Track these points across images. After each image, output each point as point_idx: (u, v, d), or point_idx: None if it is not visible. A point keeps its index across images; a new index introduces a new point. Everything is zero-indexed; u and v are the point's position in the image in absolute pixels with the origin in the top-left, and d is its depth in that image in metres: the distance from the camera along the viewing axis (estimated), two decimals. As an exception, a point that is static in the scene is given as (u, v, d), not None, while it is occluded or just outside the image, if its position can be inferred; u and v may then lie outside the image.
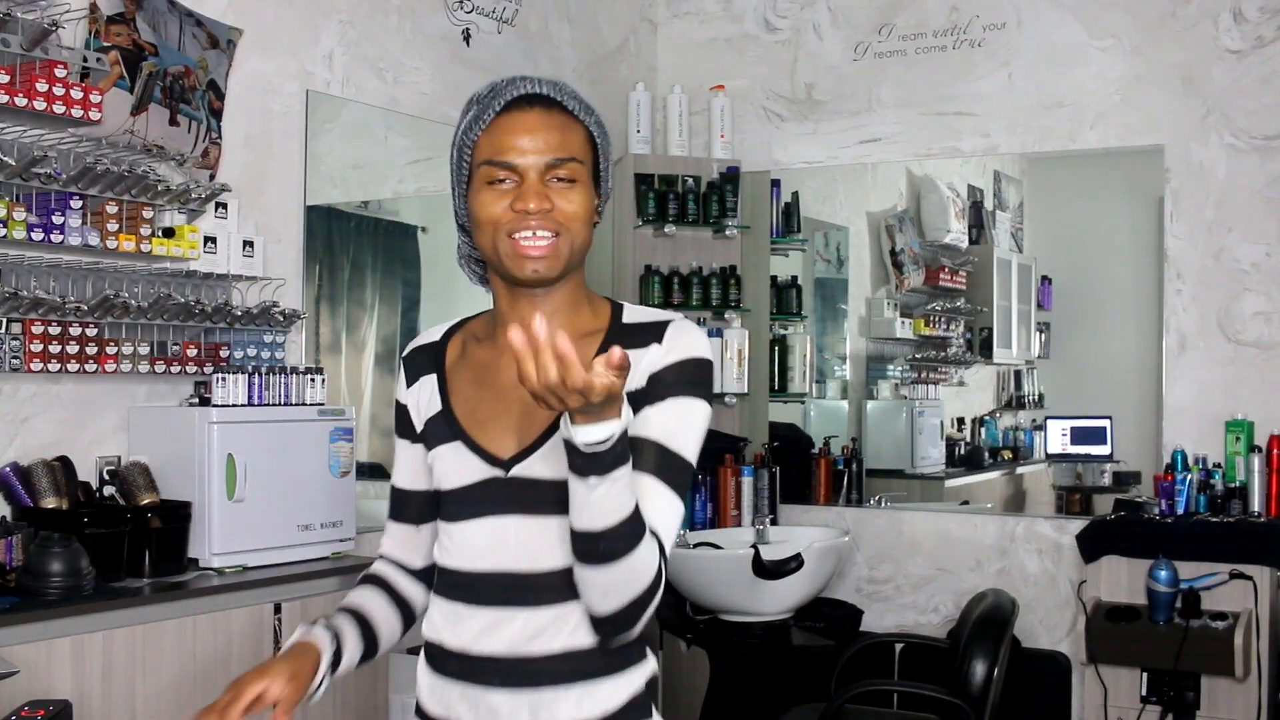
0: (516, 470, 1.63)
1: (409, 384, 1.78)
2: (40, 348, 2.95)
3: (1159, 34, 4.45)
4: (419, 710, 1.72)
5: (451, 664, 1.66)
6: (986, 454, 5.23)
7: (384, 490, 4.07)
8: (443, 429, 1.70)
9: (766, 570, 4.07)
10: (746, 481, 4.84)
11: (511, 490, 1.63)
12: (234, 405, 3.18)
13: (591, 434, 1.37)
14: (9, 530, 2.81)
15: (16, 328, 2.93)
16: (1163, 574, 3.86)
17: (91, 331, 3.05)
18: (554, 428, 1.59)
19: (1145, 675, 3.96)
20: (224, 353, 3.34)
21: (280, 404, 3.29)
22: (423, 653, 1.72)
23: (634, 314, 1.70)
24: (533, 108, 1.68)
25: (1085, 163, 4.73)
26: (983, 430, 5.28)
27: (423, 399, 1.75)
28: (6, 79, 2.80)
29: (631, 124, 4.96)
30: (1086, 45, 4.57)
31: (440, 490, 1.70)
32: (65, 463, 3.03)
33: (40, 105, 2.84)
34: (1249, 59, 4.33)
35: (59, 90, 2.87)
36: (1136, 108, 4.49)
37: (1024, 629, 4.38)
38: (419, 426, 1.75)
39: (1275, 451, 4.10)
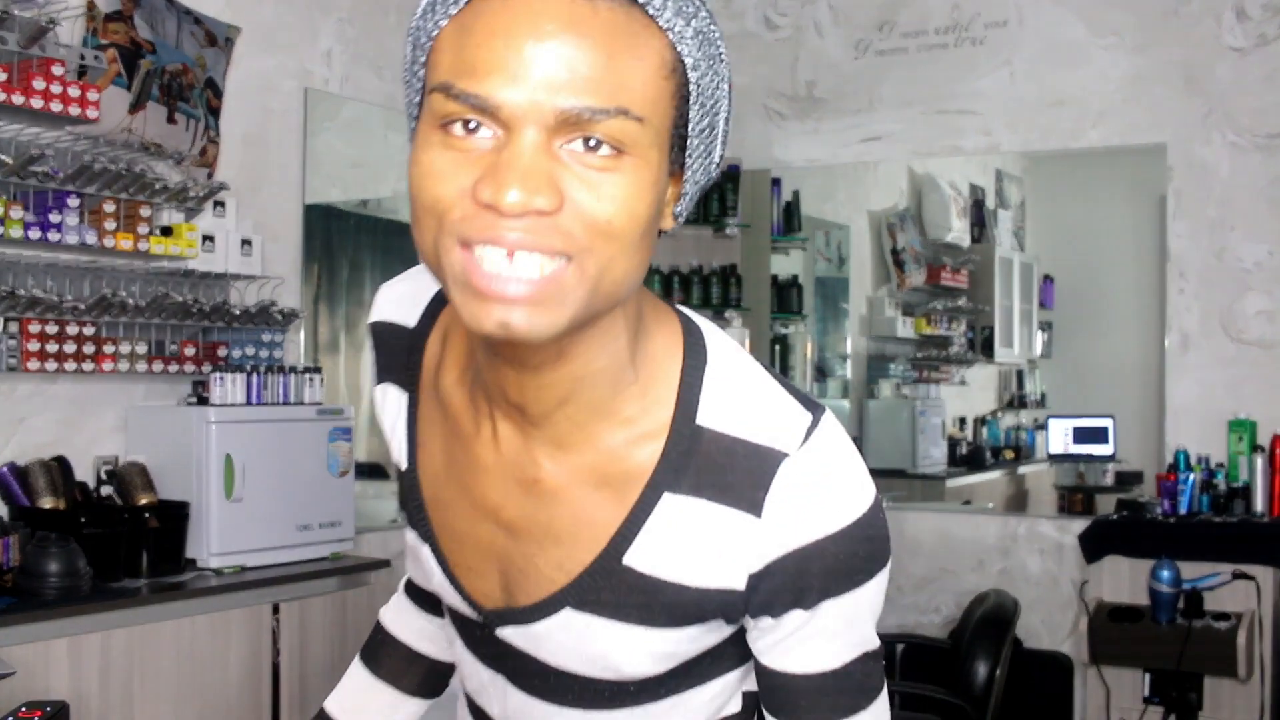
0: (502, 633, 1.07)
1: (378, 380, 1.15)
2: (37, 347, 2.94)
3: (1161, 32, 4.44)
4: None
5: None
6: (988, 453, 5.22)
7: (383, 489, 4.05)
8: (412, 508, 1.09)
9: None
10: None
11: (499, 650, 1.09)
12: (232, 405, 3.17)
13: None
14: (6, 530, 2.80)
15: (14, 327, 2.92)
16: (1165, 574, 3.85)
17: (89, 331, 3.04)
18: (560, 594, 1.00)
19: (1148, 676, 3.94)
20: (222, 352, 3.32)
21: (279, 403, 3.27)
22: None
23: (719, 415, 0.95)
24: None
25: (1087, 161, 4.72)
26: (984, 430, 5.27)
27: (392, 423, 1.12)
28: (4, 77, 2.78)
29: (632, 122, 4.94)
30: (1088, 43, 4.55)
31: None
32: (62, 463, 3.02)
33: (38, 103, 2.83)
34: (1251, 57, 4.31)
35: (56, 88, 2.86)
36: (1139, 106, 4.47)
37: (1026, 629, 4.37)
38: (397, 462, 1.12)
39: (1278, 451, 4.08)
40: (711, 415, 0.93)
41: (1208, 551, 3.91)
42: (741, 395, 0.95)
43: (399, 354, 1.12)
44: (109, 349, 3.08)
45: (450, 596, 1.10)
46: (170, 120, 3.28)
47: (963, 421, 5.28)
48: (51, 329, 2.97)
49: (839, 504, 0.99)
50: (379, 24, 4.03)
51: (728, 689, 1.06)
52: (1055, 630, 4.50)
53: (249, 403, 3.20)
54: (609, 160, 0.81)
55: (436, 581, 1.09)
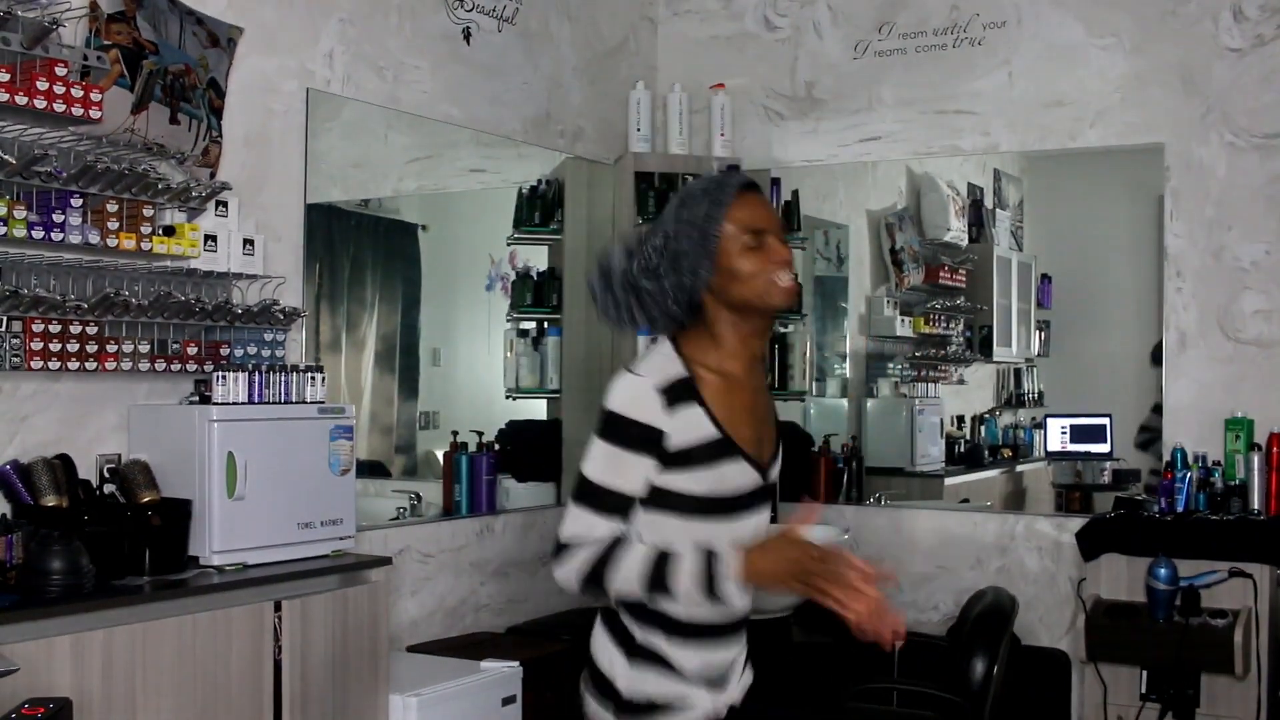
0: (770, 476, 2.21)
1: (670, 409, 2.06)
2: (40, 346, 2.95)
3: (1159, 32, 4.45)
4: (667, 666, 2.12)
5: (708, 632, 2.17)
6: (986, 452, 5.24)
7: (383, 488, 4.07)
8: (723, 450, 2.09)
9: (766, 568, 4.07)
10: (746, 480, 4.83)
11: (767, 490, 2.21)
12: (234, 403, 3.18)
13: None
14: (9, 528, 2.82)
15: (17, 326, 2.93)
16: (1162, 572, 3.86)
17: (92, 330, 3.05)
18: (777, 444, 2.26)
19: (1145, 673, 3.96)
20: (224, 351, 3.34)
21: (280, 402, 3.29)
22: (665, 628, 2.12)
23: None
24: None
25: (1085, 161, 4.73)
26: (982, 428, 5.28)
27: (687, 427, 2.07)
28: (7, 77, 2.80)
29: (632, 122, 4.96)
30: (1086, 44, 4.57)
31: (712, 498, 2.11)
32: (65, 461, 3.04)
33: (41, 104, 2.84)
34: (1249, 57, 4.33)
35: (59, 89, 2.87)
36: (1136, 106, 4.49)
37: (1024, 627, 4.38)
38: (675, 448, 2.07)
39: (1275, 449, 4.09)
40: None
41: (1205, 549, 3.93)
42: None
43: (684, 390, 2.10)
44: (112, 348, 3.09)
45: (749, 478, 2.14)
46: (173, 121, 3.30)
47: (961, 420, 5.30)
48: (55, 328, 2.98)
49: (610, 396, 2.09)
50: (380, 25, 4.05)
51: None
52: (1053, 628, 4.51)
53: (251, 401, 3.22)
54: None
55: (737, 476, 2.12)
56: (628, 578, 2.03)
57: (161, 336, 3.23)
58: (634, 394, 2.08)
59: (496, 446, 4.46)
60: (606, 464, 2.08)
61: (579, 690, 2.22)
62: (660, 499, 2.09)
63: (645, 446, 2.07)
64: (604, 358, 4.80)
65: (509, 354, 4.75)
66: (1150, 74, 4.47)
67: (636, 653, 2.13)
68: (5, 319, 2.91)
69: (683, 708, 2.14)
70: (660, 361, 2.12)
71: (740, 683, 2.30)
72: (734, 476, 2.11)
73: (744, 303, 2.14)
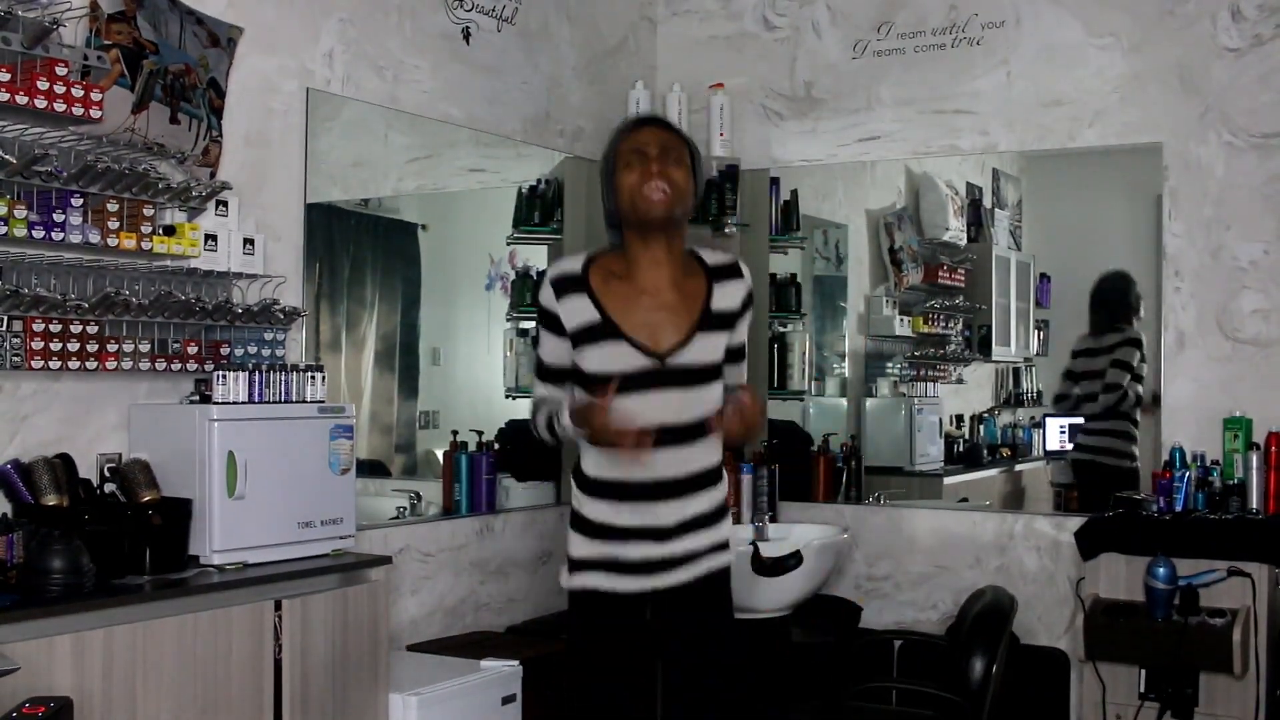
0: (673, 360, 2.67)
1: (558, 298, 2.70)
2: (41, 345, 2.95)
3: (1157, 32, 4.46)
4: (586, 525, 2.73)
5: (620, 491, 2.69)
6: (985, 451, 5.24)
7: (383, 488, 4.10)
8: (606, 331, 2.65)
9: (765, 567, 4.08)
10: (745, 479, 4.84)
11: (669, 374, 2.66)
12: (234, 403, 3.18)
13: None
14: (10, 527, 2.82)
15: (17, 325, 2.93)
16: (1161, 571, 3.87)
17: (92, 329, 3.06)
18: (690, 335, 2.69)
19: (1144, 672, 3.96)
20: (224, 350, 3.34)
21: (280, 401, 3.29)
22: (585, 488, 2.75)
23: (711, 257, 2.81)
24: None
25: (1084, 161, 4.73)
26: (981, 428, 5.29)
27: (574, 311, 2.68)
28: (7, 77, 2.80)
29: (631, 122, 4.96)
30: (1085, 43, 4.58)
31: (600, 374, 2.65)
32: (66, 460, 3.04)
33: (41, 103, 2.85)
34: (1247, 57, 4.33)
35: (60, 88, 2.88)
36: (1135, 106, 4.49)
37: (1023, 626, 4.39)
38: (569, 329, 2.68)
39: (1273, 449, 4.10)
40: (710, 259, 2.84)
41: (1203, 548, 3.93)
42: (708, 251, 2.89)
43: (574, 283, 2.69)
44: (112, 347, 3.10)
45: (632, 359, 2.64)
46: (173, 120, 3.30)
47: (960, 419, 5.30)
48: (55, 327, 2.98)
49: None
50: (380, 25, 4.05)
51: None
52: (1052, 627, 4.52)
53: (251, 401, 3.22)
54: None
55: (617, 357, 2.64)
56: (538, 424, 2.78)
57: (162, 336, 3.23)
58: (542, 288, 2.75)
59: (496, 446, 4.46)
60: (540, 344, 2.78)
61: None
62: (578, 377, 2.71)
63: (550, 326, 2.73)
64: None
65: (509, 353, 4.75)
66: (1149, 74, 4.47)
67: (572, 520, 2.78)
68: (5, 318, 2.91)
69: (591, 562, 2.73)
70: (564, 263, 2.77)
71: (675, 575, 2.72)
72: (619, 357, 2.65)
73: (625, 211, 2.71)
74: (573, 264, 2.75)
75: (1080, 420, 4.90)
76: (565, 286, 2.71)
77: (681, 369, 2.68)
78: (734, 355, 2.81)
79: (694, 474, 2.72)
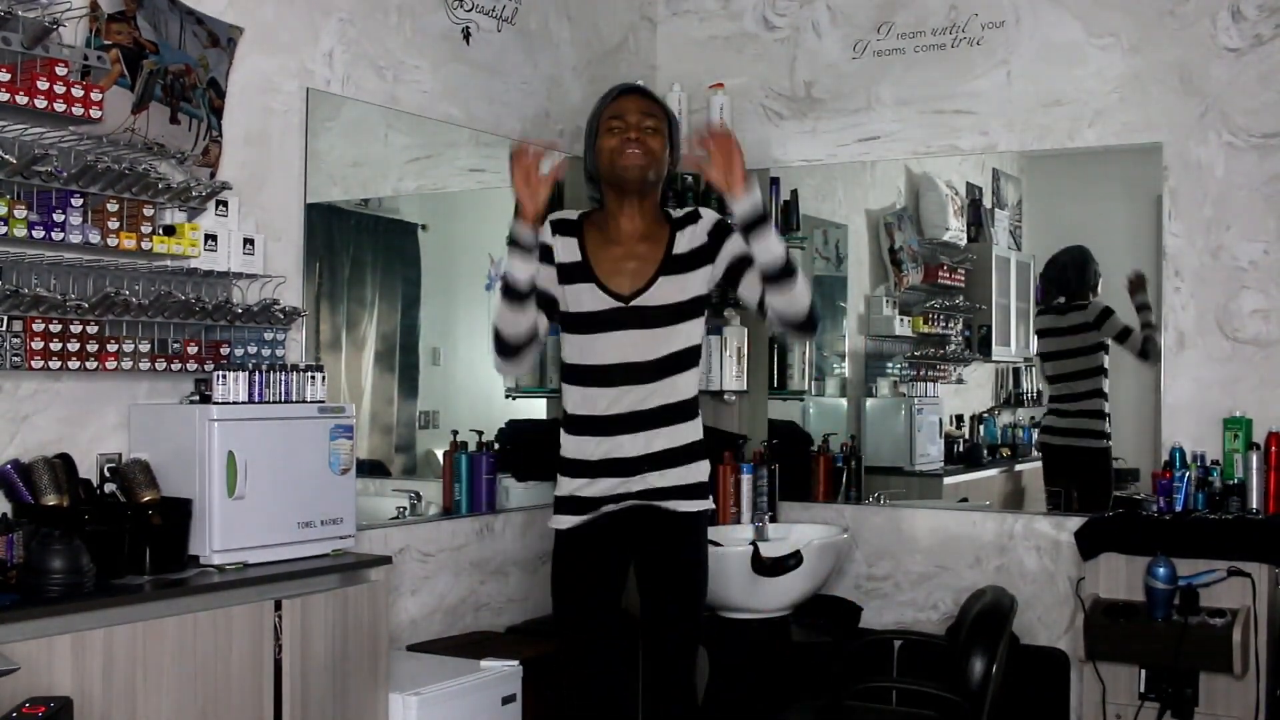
0: (636, 302, 2.97)
1: (553, 234, 3.05)
2: (41, 345, 2.96)
3: (1157, 32, 4.46)
4: (564, 464, 3.05)
5: (590, 425, 2.99)
6: (985, 451, 5.24)
7: (383, 488, 4.09)
8: (582, 273, 3.00)
9: (765, 567, 4.08)
10: (745, 479, 4.84)
11: (631, 314, 2.96)
12: (234, 403, 3.18)
13: (753, 201, 2.84)
14: (10, 527, 2.82)
15: (17, 325, 2.93)
16: (1161, 571, 3.87)
17: (92, 329, 3.06)
18: (653, 278, 2.97)
19: (1143, 672, 3.96)
20: (224, 350, 3.34)
21: (281, 401, 3.29)
22: (565, 425, 3.08)
23: (677, 213, 3.10)
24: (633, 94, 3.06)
25: (1084, 161, 4.73)
26: (981, 428, 5.29)
27: (563, 248, 3.04)
28: (7, 77, 2.80)
29: (631, 122, 4.96)
30: (1085, 43, 4.58)
31: (572, 312, 2.99)
32: (66, 460, 3.04)
33: (41, 103, 2.85)
34: (1247, 57, 4.33)
35: (60, 88, 2.88)
36: (1135, 106, 4.49)
37: (1023, 626, 4.39)
38: (556, 260, 3.03)
39: (1273, 449, 4.10)
40: (676, 214, 3.14)
41: (1203, 548, 3.93)
42: (677, 211, 3.20)
43: (570, 225, 3.08)
44: (112, 347, 3.10)
45: (600, 301, 2.96)
46: (173, 120, 3.30)
47: (960, 419, 5.30)
48: (55, 327, 2.98)
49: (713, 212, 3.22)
50: (380, 24, 4.05)
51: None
52: (1052, 627, 4.52)
53: (251, 401, 3.22)
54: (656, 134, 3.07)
55: (590, 297, 2.97)
56: (494, 318, 3.06)
57: (162, 336, 3.24)
58: (543, 225, 3.03)
59: (496, 446, 4.46)
60: None
61: None
62: (561, 318, 3.03)
63: (544, 256, 3.04)
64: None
65: (509, 353, 4.75)
66: (1149, 74, 4.47)
67: (558, 464, 3.08)
68: (5, 318, 2.91)
69: (569, 498, 3.04)
70: (564, 211, 3.17)
71: (643, 481, 3.00)
72: (589, 298, 2.98)
73: (604, 171, 3.02)
74: (570, 213, 3.15)
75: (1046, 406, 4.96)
76: (561, 227, 3.08)
77: (643, 309, 2.97)
78: (739, 264, 3.05)
79: (656, 408, 2.98)
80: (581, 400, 3.04)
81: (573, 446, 3.08)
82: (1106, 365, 4.80)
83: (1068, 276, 4.85)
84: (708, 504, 3.13)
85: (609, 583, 3.12)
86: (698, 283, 3.03)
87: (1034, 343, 5.21)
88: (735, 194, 2.87)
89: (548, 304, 3.08)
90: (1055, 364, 4.98)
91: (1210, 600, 3.89)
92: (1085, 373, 4.85)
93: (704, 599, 3.17)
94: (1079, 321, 4.84)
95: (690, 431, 3.08)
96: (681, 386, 3.04)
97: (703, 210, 3.11)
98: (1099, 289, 4.77)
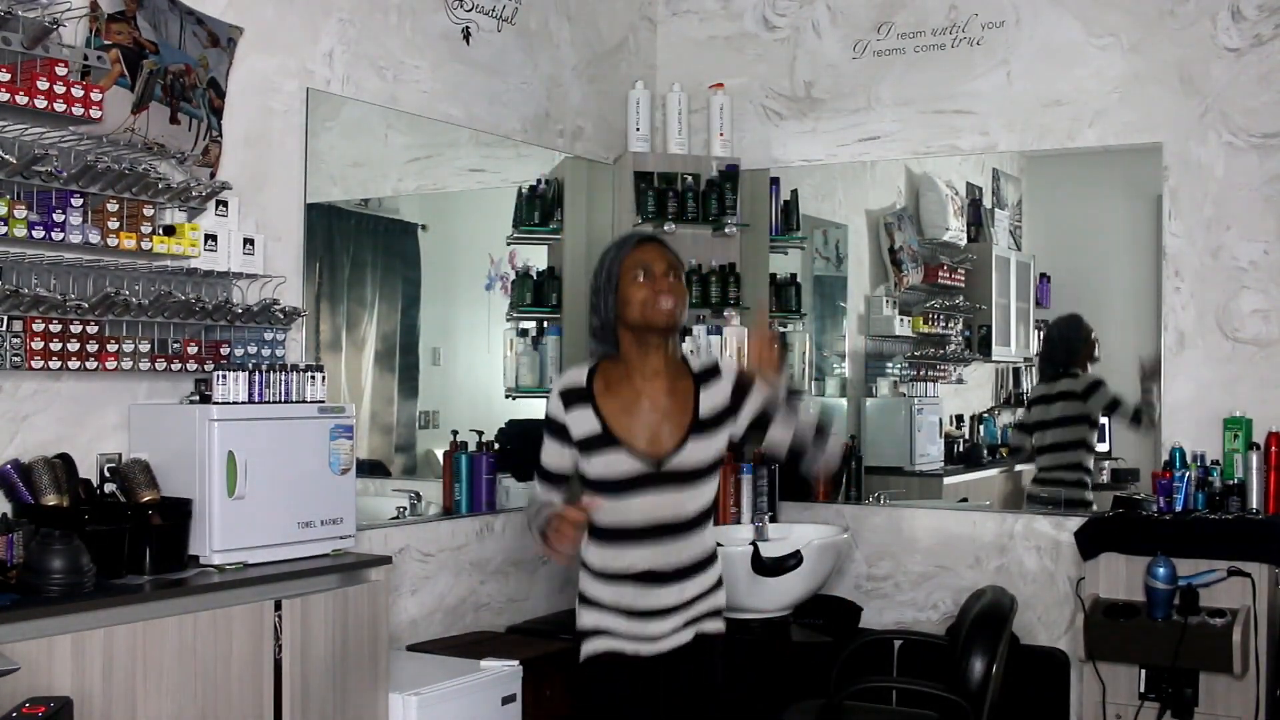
0: (667, 465, 2.88)
1: (566, 410, 2.93)
2: (41, 345, 2.96)
3: (1157, 32, 4.46)
4: (593, 603, 2.95)
5: (624, 578, 2.90)
6: (985, 451, 5.24)
7: (383, 488, 4.12)
8: (605, 442, 2.89)
9: (766, 567, 4.08)
10: (745, 479, 4.84)
11: (664, 476, 2.88)
12: (234, 403, 3.18)
13: (783, 385, 2.91)
14: (10, 527, 2.82)
15: (17, 325, 2.93)
16: (1161, 571, 3.87)
17: (92, 329, 3.06)
18: (683, 440, 2.89)
19: (1143, 672, 3.97)
20: (224, 350, 3.34)
21: (280, 401, 3.29)
22: (591, 574, 2.96)
23: (695, 363, 3.01)
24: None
25: (1084, 161, 4.73)
26: (981, 428, 5.29)
27: (579, 421, 2.91)
28: (7, 77, 2.80)
29: (631, 122, 4.96)
30: (1085, 44, 4.58)
31: (602, 479, 2.89)
32: (66, 460, 3.04)
33: (41, 103, 2.85)
34: (1247, 57, 4.33)
35: (60, 88, 2.88)
36: (1135, 106, 4.49)
37: (1023, 626, 4.39)
38: (574, 438, 2.92)
39: (1273, 449, 4.10)
40: (695, 365, 3.02)
41: (1203, 548, 3.93)
42: (693, 359, 3.08)
43: (580, 395, 2.93)
44: (112, 347, 3.10)
45: (630, 465, 2.87)
46: (173, 120, 3.30)
47: (960, 419, 5.30)
48: (55, 327, 2.99)
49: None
50: (380, 24, 4.05)
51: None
52: (1052, 627, 4.52)
53: (251, 401, 3.22)
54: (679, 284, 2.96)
55: (618, 463, 2.87)
56: (528, 519, 2.98)
57: (162, 336, 3.24)
58: (550, 398, 2.99)
59: (496, 446, 4.46)
60: (544, 449, 3.00)
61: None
62: (584, 479, 2.93)
63: (558, 435, 2.95)
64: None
65: (509, 353, 4.75)
66: (1148, 74, 4.47)
67: (580, 598, 3.00)
68: (5, 318, 2.91)
69: (603, 631, 2.93)
70: (572, 374, 3.00)
71: (674, 639, 2.93)
72: (618, 463, 2.88)
73: (634, 321, 2.91)
74: (578, 376, 2.98)
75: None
76: (572, 398, 2.94)
77: (675, 471, 2.90)
78: (761, 419, 2.99)
79: (690, 562, 2.94)
80: (613, 558, 2.94)
81: (603, 593, 2.96)
82: (1090, 441, 4.79)
83: (1056, 350, 4.88)
84: (722, 625, 3.09)
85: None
86: (722, 440, 2.98)
87: (1035, 343, 5.21)
88: (769, 378, 2.91)
89: (566, 478, 3.02)
90: (1039, 435, 4.96)
91: (1210, 600, 3.89)
92: (1068, 445, 4.83)
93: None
94: (1067, 389, 4.84)
95: (717, 569, 3.04)
96: (709, 535, 3.02)
97: (721, 365, 3.03)
98: (1095, 355, 4.75)
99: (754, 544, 4.15)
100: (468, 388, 4.76)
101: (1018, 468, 5.14)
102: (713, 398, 2.96)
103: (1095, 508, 4.64)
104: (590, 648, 2.98)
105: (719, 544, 4.39)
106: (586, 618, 2.98)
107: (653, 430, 2.91)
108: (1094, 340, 4.73)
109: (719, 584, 3.05)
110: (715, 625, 3.02)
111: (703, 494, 2.95)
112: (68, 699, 2.43)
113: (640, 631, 2.93)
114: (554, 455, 2.97)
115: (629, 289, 2.91)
